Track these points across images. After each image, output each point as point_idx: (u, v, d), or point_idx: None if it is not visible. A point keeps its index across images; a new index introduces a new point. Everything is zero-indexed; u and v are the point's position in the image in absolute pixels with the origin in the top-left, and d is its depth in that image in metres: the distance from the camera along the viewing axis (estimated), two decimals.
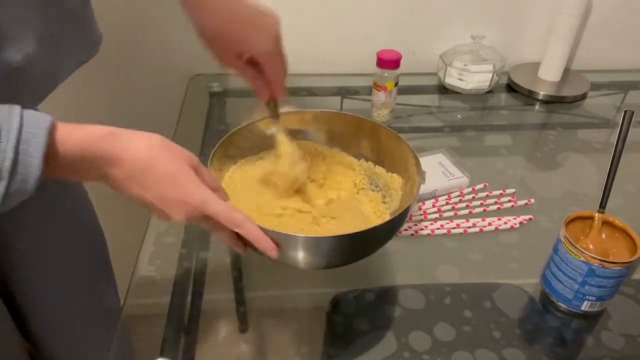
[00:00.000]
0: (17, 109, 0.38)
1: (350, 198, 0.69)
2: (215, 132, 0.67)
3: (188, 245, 0.69)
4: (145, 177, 0.45)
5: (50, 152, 0.39)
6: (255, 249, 0.53)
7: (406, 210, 0.57)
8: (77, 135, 0.42)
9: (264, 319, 0.61)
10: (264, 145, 0.70)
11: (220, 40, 0.59)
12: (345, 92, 1.04)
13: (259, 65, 0.60)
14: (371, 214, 0.66)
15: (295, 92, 1.03)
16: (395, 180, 0.69)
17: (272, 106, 0.64)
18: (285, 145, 0.65)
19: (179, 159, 0.47)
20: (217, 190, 0.51)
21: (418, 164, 0.63)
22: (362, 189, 0.70)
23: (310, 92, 1.04)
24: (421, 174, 0.63)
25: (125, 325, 0.60)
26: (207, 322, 0.60)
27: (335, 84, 1.06)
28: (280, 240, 0.52)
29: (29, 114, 0.38)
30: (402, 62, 0.91)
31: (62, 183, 0.68)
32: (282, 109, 0.66)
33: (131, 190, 0.46)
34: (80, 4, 0.55)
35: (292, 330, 0.60)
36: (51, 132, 0.39)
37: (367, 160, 0.73)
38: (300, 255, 0.55)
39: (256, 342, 0.58)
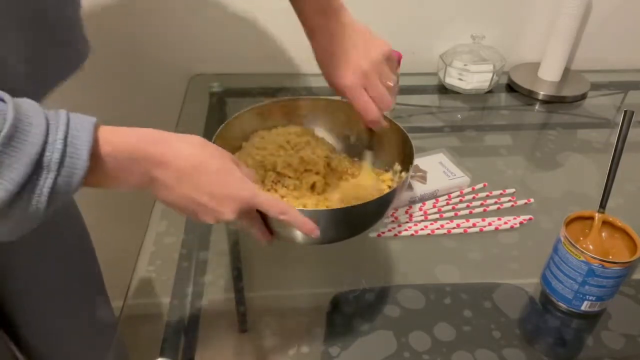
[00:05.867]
0: (63, 111, 0.40)
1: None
2: (215, 132, 0.67)
3: (188, 245, 0.69)
4: (196, 177, 0.45)
5: (95, 150, 0.40)
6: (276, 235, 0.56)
7: (401, 185, 0.59)
8: (122, 137, 0.43)
9: (264, 319, 0.61)
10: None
11: (340, 58, 0.62)
12: None
13: (366, 85, 0.62)
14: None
15: (296, 92, 1.03)
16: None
17: (369, 135, 0.68)
18: (367, 176, 0.68)
19: (223, 156, 0.48)
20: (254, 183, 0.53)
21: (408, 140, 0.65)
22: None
23: (310, 92, 1.04)
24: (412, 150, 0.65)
25: (123, 328, 0.60)
26: (207, 322, 0.60)
27: None
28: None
29: (74, 115, 0.40)
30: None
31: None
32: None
33: (180, 192, 0.45)
34: (72, 14, 0.55)
35: (292, 330, 0.60)
36: (96, 130, 0.41)
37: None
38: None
39: (256, 342, 0.58)
